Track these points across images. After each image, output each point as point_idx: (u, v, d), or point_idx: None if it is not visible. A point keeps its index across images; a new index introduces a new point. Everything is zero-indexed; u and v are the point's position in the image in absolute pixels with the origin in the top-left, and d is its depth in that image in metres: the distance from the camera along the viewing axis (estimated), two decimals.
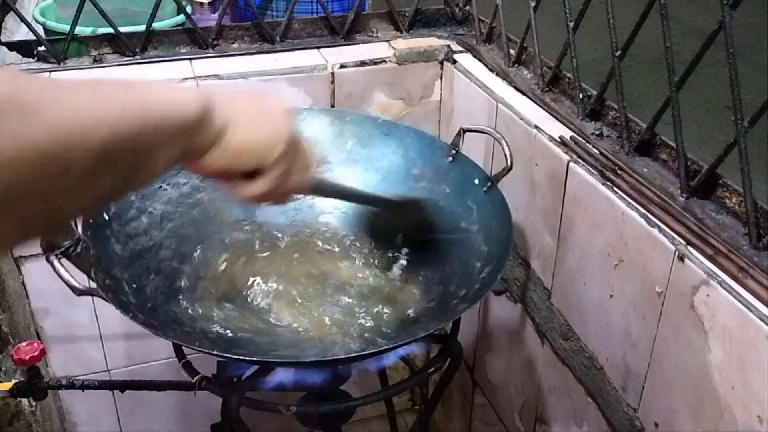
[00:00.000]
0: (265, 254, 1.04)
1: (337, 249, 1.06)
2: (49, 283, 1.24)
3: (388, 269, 1.03)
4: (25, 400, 1.16)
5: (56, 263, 0.84)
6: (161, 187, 1.02)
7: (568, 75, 1.11)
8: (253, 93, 0.66)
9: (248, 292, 0.98)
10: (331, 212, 1.11)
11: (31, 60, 1.24)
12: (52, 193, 0.41)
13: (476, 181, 1.03)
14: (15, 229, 0.40)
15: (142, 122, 0.47)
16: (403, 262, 1.03)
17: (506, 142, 1.00)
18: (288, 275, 1.01)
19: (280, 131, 0.62)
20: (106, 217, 0.93)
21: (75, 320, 1.33)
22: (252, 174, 0.62)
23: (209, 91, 0.57)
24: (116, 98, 0.46)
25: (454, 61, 1.32)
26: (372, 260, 1.04)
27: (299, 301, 0.97)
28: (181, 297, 0.94)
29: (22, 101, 0.38)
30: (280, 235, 1.08)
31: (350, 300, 0.97)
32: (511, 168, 0.99)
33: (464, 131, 1.05)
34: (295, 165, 0.64)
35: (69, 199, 0.43)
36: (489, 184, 1.01)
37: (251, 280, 1.00)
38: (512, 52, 1.25)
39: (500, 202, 0.98)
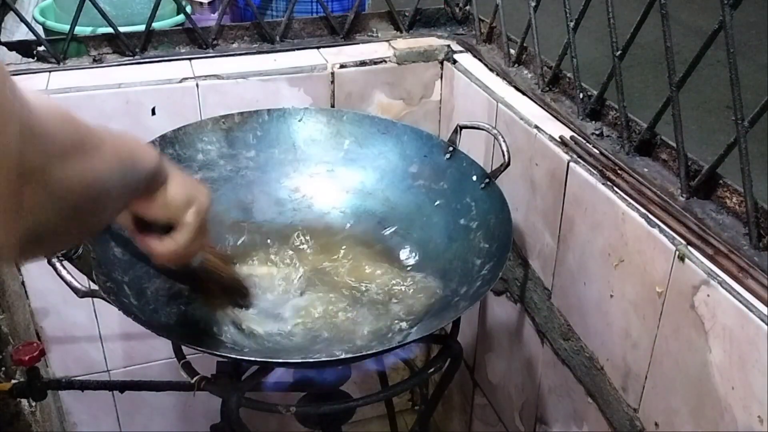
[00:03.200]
0: (265, 255, 1.04)
1: (336, 249, 1.06)
2: (49, 284, 1.24)
3: (387, 268, 1.02)
4: (24, 401, 1.16)
5: (58, 265, 0.85)
6: None
7: (569, 75, 1.11)
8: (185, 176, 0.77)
9: (249, 292, 0.98)
10: (330, 212, 1.11)
11: (30, 60, 1.24)
12: (86, 220, 0.51)
13: (474, 178, 1.03)
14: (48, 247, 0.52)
15: (133, 169, 0.60)
16: (403, 261, 1.03)
17: (503, 138, 1.00)
18: (287, 275, 1.01)
19: (198, 201, 0.73)
20: None
21: (75, 321, 1.33)
22: (164, 231, 0.72)
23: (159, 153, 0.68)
24: (120, 150, 0.56)
25: (454, 61, 1.32)
26: (372, 260, 1.04)
27: (298, 301, 0.97)
28: (181, 299, 0.94)
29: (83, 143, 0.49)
30: (279, 235, 1.08)
31: (350, 300, 0.97)
32: (509, 164, 0.99)
33: (461, 128, 1.05)
34: (198, 236, 0.74)
35: (86, 226, 0.53)
36: (487, 180, 1.01)
37: (251, 280, 0.99)
38: (512, 51, 1.24)
39: (499, 198, 0.98)
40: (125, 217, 0.71)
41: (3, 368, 1.13)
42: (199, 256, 0.81)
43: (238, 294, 0.93)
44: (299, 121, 1.14)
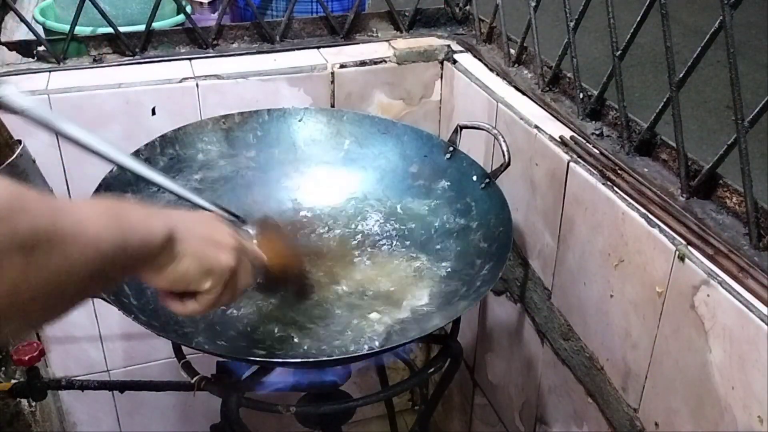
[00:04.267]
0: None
1: (336, 248, 1.06)
2: None
3: (388, 268, 1.02)
4: (24, 401, 1.16)
5: None
6: (159, 189, 1.02)
7: (569, 75, 1.11)
8: (209, 222, 0.74)
9: (249, 293, 0.98)
10: (330, 212, 1.11)
11: (30, 60, 1.24)
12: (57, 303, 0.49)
13: (474, 178, 1.03)
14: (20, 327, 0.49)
15: (125, 250, 0.55)
16: (403, 260, 1.03)
17: (503, 138, 1.00)
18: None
19: (215, 268, 0.69)
20: None
21: (75, 320, 1.33)
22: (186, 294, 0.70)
23: (173, 219, 0.65)
24: (110, 233, 0.53)
25: (454, 61, 1.32)
26: (372, 260, 1.04)
27: (299, 300, 0.97)
28: None
29: (54, 234, 0.46)
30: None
31: (350, 300, 0.97)
32: (509, 164, 0.99)
33: (461, 128, 1.05)
34: (225, 293, 0.71)
35: (62, 306, 0.50)
36: (487, 180, 1.01)
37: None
38: (512, 51, 1.24)
39: (499, 198, 0.98)
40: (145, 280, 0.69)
41: (3, 368, 1.13)
42: (244, 289, 0.77)
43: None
44: (299, 121, 1.14)
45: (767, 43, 3.80)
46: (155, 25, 1.28)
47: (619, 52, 0.98)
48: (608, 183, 0.92)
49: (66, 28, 1.25)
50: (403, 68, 1.32)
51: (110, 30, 1.25)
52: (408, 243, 1.06)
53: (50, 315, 0.50)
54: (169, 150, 1.04)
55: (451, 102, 1.34)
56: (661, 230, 0.83)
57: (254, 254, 0.77)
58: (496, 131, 1.02)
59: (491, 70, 1.26)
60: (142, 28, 1.27)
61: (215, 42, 1.31)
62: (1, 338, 0.54)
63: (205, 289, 0.69)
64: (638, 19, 0.93)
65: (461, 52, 1.34)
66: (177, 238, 0.64)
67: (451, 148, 1.07)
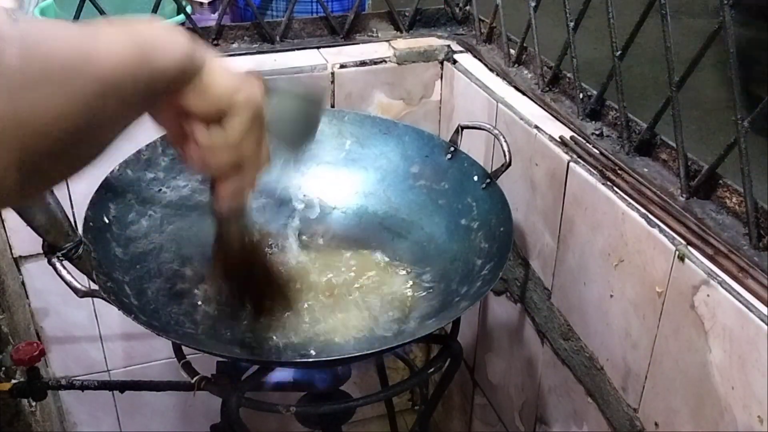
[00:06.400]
0: (266, 255, 1.04)
1: (337, 248, 1.06)
2: (49, 284, 1.24)
3: (388, 268, 1.03)
4: (24, 401, 1.16)
5: (58, 265, 0.84)
6: (161, 189, 1.02)
7: (568, 75, 1.11)
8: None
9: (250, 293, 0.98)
10: (331, 212, 1.11)
11: None
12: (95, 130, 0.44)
13: (475, 178, 1.03)
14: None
15: (145, 72, 0.49)
16: (403, 261, 1.03)
17: (504, 138, 1.00)
18: (289, 275, 1.01)
19: (248, 85, 0.62)
20: (107, 221, 0.93)
21: (75, 320, 1.33)
22: (212, 119, 0.61)
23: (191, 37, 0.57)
24: (127, 40, 0.47)
25: (454, 61, 1.32)
26: (372, 260, 1.04)
27: (300, 300, 0.97)
28: (182, 299, 0.94)
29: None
30: (280, 235, 1.08)
31: (350, 300, 0.97)
32: (510, 164, 0.99)
33: (462, 128, 1.05)
34: (251, 133, 0.63)
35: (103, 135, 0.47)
36: (488, 180, 1.01)
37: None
38: (512, 52, 1.24)
39: (500, 198, 0.98)
40: (166, 118, 0.61)
41: (3, 368, 1.13)
42: (248, 195, 0.69)
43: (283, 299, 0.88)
44: None
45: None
46: None
47: (619, 52, 0.98)
48: (608, 183, 0.92)
49: None
50: (403, 68, 1.32)
51: None
52: (408, 243, 1.06)
53: (86, 149, 0.46)
54: (170, 150, 1.04)
55: (451, 102, 1.34)
56: (661, 230, 0.83)
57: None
58: (497, 131, 1.02)
59: (491, 70, 1.26)
60: None
61: (215, 42, 1.31)
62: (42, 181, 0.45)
63: (235, 105, 0.60)
64: (638, 19, 0.93)
65: (461, 52, 1.34)
66: (199, 52, 0.57)
67: (452, 149, 1.07)
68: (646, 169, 0.94)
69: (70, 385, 1.09)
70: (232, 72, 0.61)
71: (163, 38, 0.52)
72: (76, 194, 1.19)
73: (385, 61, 1.30)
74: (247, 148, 0.63)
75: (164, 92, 0.56)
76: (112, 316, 1.32)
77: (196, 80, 0.58)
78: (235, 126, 0.61)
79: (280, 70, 1.25)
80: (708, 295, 0.76)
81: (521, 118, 1.10)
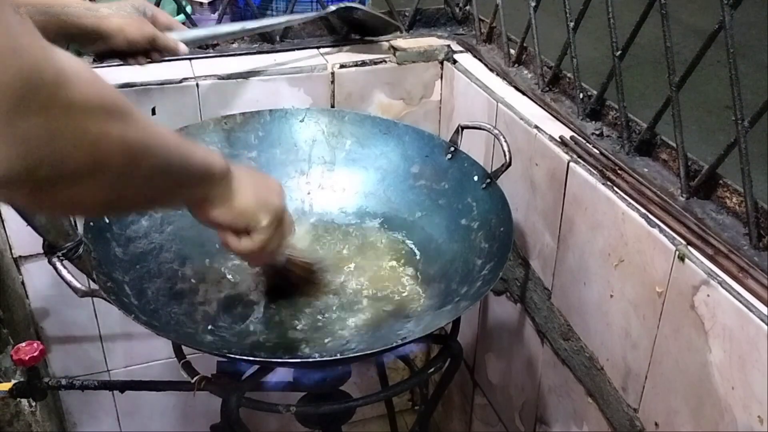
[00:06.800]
0: None
1: (338, 248, 1.06)
2: (49, 283, 1.24)
3: (389, 268, 1.02)
4: (24, 401, 1.16)
5: (58, 265, 0.84)
6: None
7: (569, 75, 1.11)
8: (258, 173, 0.84)
9: (250, 293, 0.98)
10: (331, 212, 1.11)
11: None
12: (115, 183, 0.52)
13: (475, 178, 1.03)
14: (97, 196, 0.51)
15: (188, 161, 0.62)
16: (404, 261, 1.03)
17: (504, 138, 1.00)
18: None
19: (270, 206, 0.76)
20: (107, 221, 0.93)
21: (75, 320, 1.33)
22: (241, 231, 0.75)
23: (228, 162, 0.71)
24: (175, 138, 0.60)
25: (454, 61, 1.32)
26: (373, 260, 1.04)
27: (300, 300, 0.97)
28: (182, 299, 0.94)
29: (129, 109, 0.51)
30: None
31: (351, 299, 0.97)
32: (510, 164, 0.99)
33: (462, 128, 1.05)
34: (275, 235, 0.77)
35: (124, 194, 0.54)
36: (488, 180, 1.01)
37: (253, 280, 0.99)
38: (512, 52, 1.25)
39: (500, 198, 0.98)
40: (204, 222, 0.74)
41: (3, 368, 1.13)
42: (283, 254, 0.86)
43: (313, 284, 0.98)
44: (301, 121, 1.14)
45: (767, 43, 3.80)
46: None
47: (619, 52, 0.98)
48: (608, 183, 0.92)
49: None
50: (403, 68, 1.32)
51: None
52: (409, 243, 1.06)
53: (116, 198, 0.54)
54: None
55: (451, 102, 1.34)
56: (661, 230, 0.83)
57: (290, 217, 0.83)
58: (497, 131, 1.02)
59: (491, 70, 1.26)
60: None
61: (215, 42, 1.31)
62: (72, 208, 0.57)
63: (260, 226, 0.74)
64: (638, 19, 0.93)
65: (461, 52, 1.34)
66: (234, 174, 0.71)
67: (452, 149, 1.07)
68: (646, 169, 0.94)
69: (70, 385, 1.09)
70: (258, 189, 0.74)
71: (204, 152, 0.67)
72: None
73: (385, 61, 1.30)
74: (273, 245, 0.78)
75: (190, 195, 0.68)
76: (112, 316, 1.32)
77: (228, 202, 0.71)
78: (260, 239, 0.75)
79: (280, 70, 1.25)
80: (708, 295, 0.76)
81: (521, 118, 1.10)
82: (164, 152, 0.57)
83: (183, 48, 1.04)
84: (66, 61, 0.44)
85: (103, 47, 0.99)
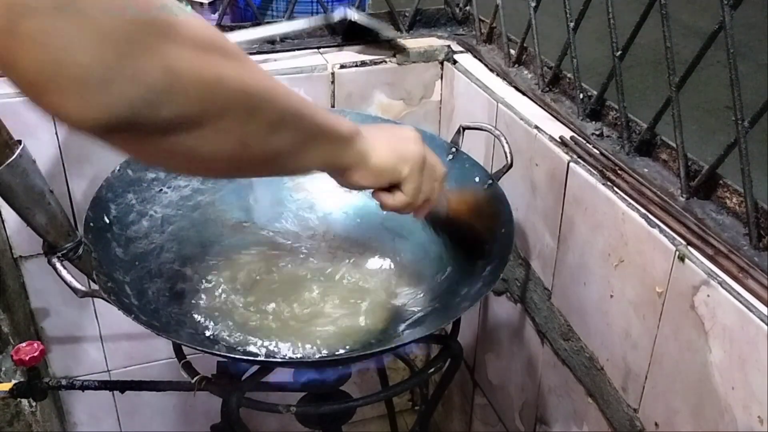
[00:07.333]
0: (267, 255, 1.04)
1: (338, 248, 1.06)
2: (49, 284, 1.24)
3: (389, 268, 1.03)
4: (25, 401, 1.16)
5: (58, 265, 0.84)
6: (161, 190, 1.02)
7: (569, 75, 1.11)
8: (388, 126, 0.86)
9: (251, 293, 0.98)
10: (332, 213, 1.11)
11: None
12: (236, 129, 0.51)
13: (477, 179, 1.03)
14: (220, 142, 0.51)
15: (313, 116, 0.61)
16: (405, 261, 1.03)
17: (506, 139, 1.00)
18: (290, 276, 1.01)
19: (408, 155, 0.75)
20: (107, 221, 0.93)
21: (75, 320, 1.33)
22: (390, 187, 0.76)
23: (357, 123, 0.71)
24: (296, 94, 0.59)
25: (455, 61, 1.32)
26: (373, 260, 1.04)
27: (301, 300, 0.97)
28: (183, 299, 0.94)
29: (245, 55, 0.51)
30: (281, 236, 1.08)
31: (352, 299, 0.97)
32: (511, 165, 0.99)
33: (464, 129, 1.05)
34: (424, 181, 0.76)
35: (247, 142, 0.53)
36: (489, 182, 1.01)
37: (253, 280, 0.99)
38: (512, 52, 1.25)
39: (501, 199, 0.98)
40: (349, 185, 0.74)
41: (3, 368, 1.13)
42: (443, 197, 0.84)
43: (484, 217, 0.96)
44: None
45: (767, 43, 3.80)
46: None
47: (619, 52, 0.98)
48: (608, 183, 0.92)
49: None
50: (404, 68, 1.32)
51: None
52: (410, 243, 1.06)
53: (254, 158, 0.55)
54: None
55: (451, 102, 1.34)
56: (661, 230, 0.83)
57: (436, 159, 0.81)
58: (498, 132, 1.02)
59: (491, 70, 1.26)
60: None
61: None
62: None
63: (405, 177, 0.74)
64: (638, 19, 0.93)
65: (461, 52, 1.34)
66: (363, 133, 0.70)
67: (453, 149, 1.07)
68: (646, 170, 0.94)
69: (70, 385, 1.09)
70: (391, 143, 0.74)
71: (332, 116, 0.65)
72: (76, 194, 1.19)
73: (385, 62, 1.30)
74: (426, 192, 0.78)
75: (322, 157, 0.66)
76: (112, 316, 1.32)
77: (363, 164, 0.70)
78: (411, 190, 0.75)
79: (280, 70, 1.25)
80: (708, 296, 0.76)
81: (521, 119, 1.10)
82: (287, 103, 0.56)
83: None
84: (176, 5, 0.44)
85: None
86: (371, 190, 0.76)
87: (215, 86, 0.47)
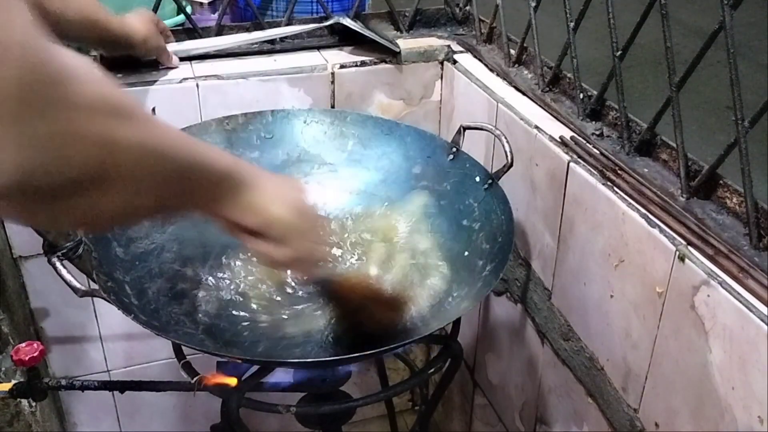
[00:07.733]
0: None
1: (339, 248, 1.06)
2: (49, 284, 1.24)
3: (390, 269, 1.02)
4: (24, 401, 1.16)
5: (58, 265, 0.84)
6: None
7: (569, 75, 1.11)
8: (272, 172, 0.79)
9: (251, 293, 0.98)
10: (333, 213, 1.11)
11: None
12: (131, 188, 0.50)
13: (477, 179, 1.03)
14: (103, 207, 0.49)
15: (202, 163, 0.60)
16: (405, 262, 1.03)
17: (506, 138, 1.00)
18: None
19: (293, 194, 0.72)
20: None
21: (75, 321, 1.33)
22: (270, 238, 0.70)
23: (245, 164, 0.69)
24: (187, 140, 0.58)
25: (455, 61, 1.32)
26: (374, 260, 1.04)
27: (299, 299, 0.97)
28: (183, 299, 0.94)
29: (137, 110, 0.50)
30: None
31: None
32: (511, 165, 0.99)
33: (464, 129, 1.05)
34: (305, 236, 0.72)
35: (139, 201, 0.52)
36: (490, 181, 1.01)
37: (254, 280, 0.99)
38: (512, 52, 1.25)
39: (501, 199, 0.98)
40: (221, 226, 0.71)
41: (3, 368, 1.13)
42: (327, 268, 0.81)
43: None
44: (303, 122, 1.14)
45: (767, 43, 3.80)
46: None
47: (619, 52, 0.98)
48: (608, 183, 0.92)
49: None
50: (404, 68, 1.32)
51: None
52: (410, 244, 1.06)
53: (125, 206, 0.51)
54: None
55: (451, 102, 1.34)
56: (661, 230, 0.83)
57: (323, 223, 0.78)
58: (499, 132, 1.02)
59: (491, 70, 1.26)
60: None
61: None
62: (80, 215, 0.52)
63: (286, 226, 0.70)
64: (638, 19, 0.93)
65: (461, 52, 1.34)
66: (251, 177, 0.67)
67: (454, 149, 1.07)
68: (646, 170, 0.94)
69: (70, 386, 1.09)
70: (276, 187, 0.70)
71: (213, 149, 0.66)
72: None
73: (385, 62, 1.30)
74: (305, 248, 0.73)
75: (207, 201, 0.64)
76: (112, 316, 1.32)
77: (238, 197, 0.66)
78: (276, 244, 0.70)
79: (280, 70, 1.25)
80: (708, 296, 0.76)
81: (521, 119, 1.10)
82: (177, 155, 0.55)
83: (176, 61, 1.21)
84: (71, 59, 0.43)
85: (122, 53, 1.15)
86: (245, 240, 0.71)
87: (104, 149, 0.46)
